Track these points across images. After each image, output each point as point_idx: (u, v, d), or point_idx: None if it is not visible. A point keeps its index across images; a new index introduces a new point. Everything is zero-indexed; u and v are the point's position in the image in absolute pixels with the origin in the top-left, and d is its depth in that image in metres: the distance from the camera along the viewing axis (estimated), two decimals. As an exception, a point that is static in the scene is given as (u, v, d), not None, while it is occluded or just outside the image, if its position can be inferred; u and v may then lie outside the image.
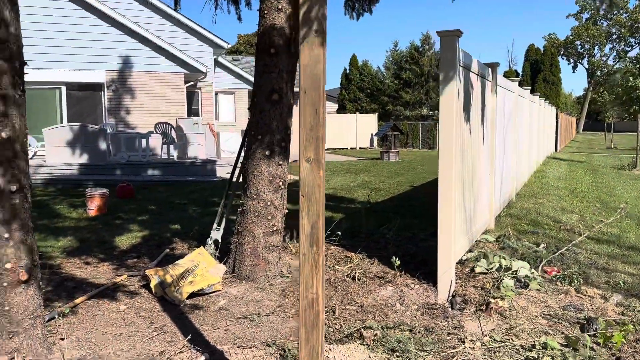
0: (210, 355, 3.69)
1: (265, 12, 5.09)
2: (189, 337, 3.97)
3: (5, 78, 3.37)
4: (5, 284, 3.51)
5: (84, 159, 13.96)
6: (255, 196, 5.23)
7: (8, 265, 3.49)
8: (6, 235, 3.48)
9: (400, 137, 29.54)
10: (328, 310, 4.52)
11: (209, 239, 6.08)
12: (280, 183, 5.29)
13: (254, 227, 5.23)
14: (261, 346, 3.87)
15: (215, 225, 6.16)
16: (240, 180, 6.20)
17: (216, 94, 22.79)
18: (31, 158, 14.55)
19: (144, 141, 15.20)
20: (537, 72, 35.52)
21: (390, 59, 40.51)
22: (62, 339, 3.94)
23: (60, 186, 12.05)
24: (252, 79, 25.18)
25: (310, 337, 2.38)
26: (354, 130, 32.74)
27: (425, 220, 8.12)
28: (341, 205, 9.80)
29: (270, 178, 5.21)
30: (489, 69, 6.83)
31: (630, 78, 40.82)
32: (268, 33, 5.08)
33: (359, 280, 5.26)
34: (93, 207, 8.92)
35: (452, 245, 4.84)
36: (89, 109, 17.60)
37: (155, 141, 15.73)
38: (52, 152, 13.84)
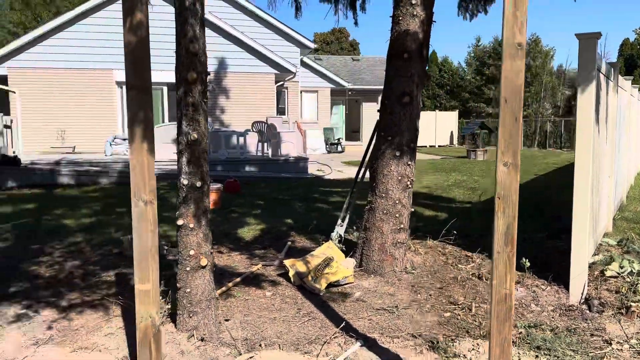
0: (364, 342, 3.96)
1: (400, 18, 5.23)
2: (341, 324, 4.25)
3: (196, 88, 3.79)
4: (188, 268, 3.96)
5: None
6: (384, 195, 5.41)
7: (192, 252, 3.93)
8: (191, 226, 3.92)
9: (487, 135, 28.94)
10: (464, 308, 4.66)
11: (333, 233, 6.34)
12: (409, 182, 5.45)
13: (382, 224, 5.42)
14: (408, 337, 4.06)
15: (339, 221, 6.43)
16: (358, 179, 6.40)
17: (300, 92, 23.27)
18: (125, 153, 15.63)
19: (241, 139, 15.89)
20: (634, 68, 33.42)
21: (472, 55, 39.71)
22: (226, 320, 4.34)
23: (169, 181, 12.78)
24: (334, 77, 25.65)
25: (502, 329, 2.55)
26: (434, 128, 32.22)
27: (535, 221, 8.03)
28: (441, 205, 9.85)
29: (399, 177, 5.37)
30: (612, 69, 6.70)
31: None
32: (402, 38, 5.23)
33: (485, 279, 5.35)
34: (209, 201, 9.46)
35: (585, 247, 4.85)
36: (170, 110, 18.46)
37: (251, 139, 16.35)
38: (160, 149, 14.73)
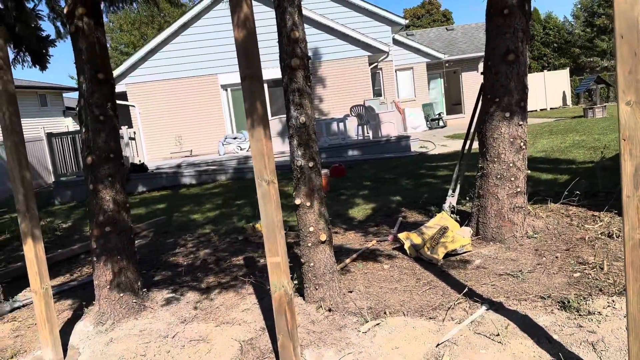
0: (489, 306, 3.93)
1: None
2: (464, 290, 4.25)
3: (299, 73, 3.95)
4: (309, 244, 4.16)
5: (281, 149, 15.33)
6: (496, 159, 5.29)
7: (311, 229, 4.13)
8: (308, 204, 4.12)
9: (605, 91, 26.78)
10: (595, 267, 4.46)
11: (445, 204, 6.32)
12: (522, 144, 5.27)
13: (497, 190, 5.31)
14: (536, 299, 3.99)
15: (450, 192, 6.38)
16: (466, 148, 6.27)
17: (395, 71, 22.97)
18: (246, 153, 16.39)
19: (341, 125, 16.11)
20: None
21: (579, 6, 36.86)
22: (349, 291, 4.52)
23: (279, 171, 13.26)
24: (428, 51, 24.98)
25: (638, 277, 2.44)
26: (543, 90, 30.19)
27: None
28: (560, 167, 9.36)
29: (511, 139, 5.22)
30: None
31: None
32: (501, -8, 5.07)
33: (617, 237, 5.06)
34: (322, 180, 9.74)
35: None
36: (282, 101, 19.00)
37: (350, 124, 16.50)
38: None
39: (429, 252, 5.12)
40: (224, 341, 3.90)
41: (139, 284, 4.76)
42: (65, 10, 4.50)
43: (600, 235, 5.20)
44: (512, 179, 5.27)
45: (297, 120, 4.05)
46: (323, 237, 4.14)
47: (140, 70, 18.59)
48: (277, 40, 4.08)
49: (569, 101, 30.36)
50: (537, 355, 3.21)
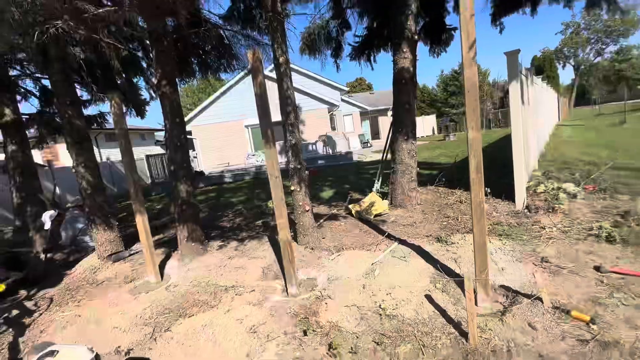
0: (400, 242, 3.99)
1: (397, 60, 5.08)
2: (385, 234, 4.29)
3: (292, 115, 3.91)
4: (299, 212, 4.11)
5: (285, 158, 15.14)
6: (400, 162, 5.33)
7: (300, 203, 4.08)
8: (298, 189, 4.07)
9: (454, 125, 27.47)
10: (454, 219, 4.55)
11: (373, 188, 6.33)
12: (414, 153, 5.33)
13: (402, 179, 5.35)
14: (424, 237, 4.06)
15: (376, 181, 6.40)
16: (379, 157, 6.28)
17: (343, 116, 22.93)
18: (260, 163, 16.16)
19: (314, 146, 16.06)
20: (540, 73, 30.34)
21: (439, 80, 37.59)
22: (323, 238, 4.47)
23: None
24: (360, 105, 24.91)
25: (479, 221, 2.51)
26: (422, 126, 30.87)
27: (490, 170, 7.57)
28: (433, 167, 9.50)
29: (408, 151, 5.28)
30: (528, 71, 6.19)
31: (617, 64, 33.50)
32: (401, 71, 5.09)
33: (464, 202, 5.19)
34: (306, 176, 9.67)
35: (523, 177, 4.61)
36: (280, 132, 18.73)
37: (318, 145, 16.44)
38: (272, 157, 15.20)
39: (366, 214, 5.15)
40: (253, 268, 3.86)
41: (203, 237, 4.66)
42: (155, 82, 4.37)
43: (455, 202, 5.31)
44: (409, 173, 5.32)
45: (291, 142, 4.02)
46: (307, 208, 4.12)
47: (198, 119, 18.13)
48: (278, 97, 4.03)
49: (436, 132, 30.96)
50: (426, 266, 3.28)
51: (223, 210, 7.48)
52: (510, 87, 4.47)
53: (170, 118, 4.35)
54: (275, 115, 18.17)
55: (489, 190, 5.08)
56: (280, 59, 3.87)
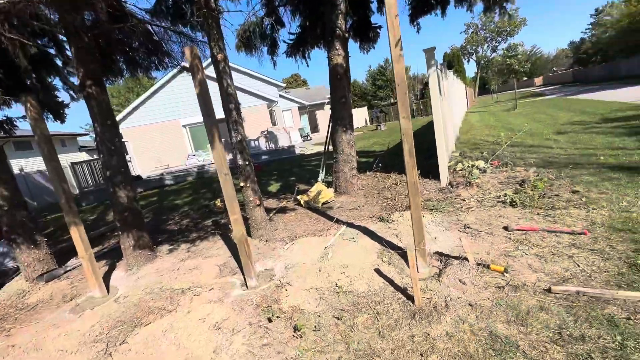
0: (348, 226, 4.17)
1: (332, 57, 5.17)
2: (333, 219, 4.44)
3: (234, 112, 3.79)
4: (251, 206, 4.05)
5: (229, 155, 14.55)
6: (341, 152, 5.50)
7: (251, 198, 4.02)
8: (247, 185, 3.99)
9: (384, 116, 29.02)
10: (392, 199, 4.88)
11: (318, 178, 6.44)
12: (353, 143, 5.52)
13: (344, 168, 5.54)
14: (368, 218, 4.28)
15: (320, 172, 6.52)
16: (323, 149, 6.43)
17: (282, 111, 22.77)
18: (202, 163, 15.31)
19: (256, 142, 15.71)
20: (450, 67, 33.57)
21: (368, 75, 39.38)
22: (275, 229, 4.45)
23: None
24: (300, 100, 25.03)
25: (415, 199, 2.75)
26: (356, 118, 32.03)
27: (418, 153, 8.24)
28: (370, 154, 10.00)
29: (347, 141, 5.47)
30: (443, 66, 6.84)
31: (507, 59, 38.66)
32: (335, 67, 5.20)
33: (399, 184, 5.59)
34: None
35: (445, 158, 5.12)
36: (221, 130, 17.98)
37: (261, 141, 16.15)
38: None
39: (314, 203, 5.25)
40: (208, 267, 3.71)
41: (150, 243, 4.32)
42: (78, 82, 3.85)
43: (392, 184, 5.68)
44: (350, 162, 5.52)
45: (236, 139, 3.91)
46: (257, 202, 4.07)
47: (129, 120, 16.40)
48: (220, 95, 3.87)
49: (368, 123, 32.46)
50: (373, 244, 3.50)
51: (168, 214, 6.99)
52: (429, 80, 4.90)
53: (99, 120, 3.90)
54: (218, 114, 17.26)
55: (418, 172, 5.55)
56: (219, 56, 3.71)
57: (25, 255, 4.21)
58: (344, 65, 5.23)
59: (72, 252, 5.20)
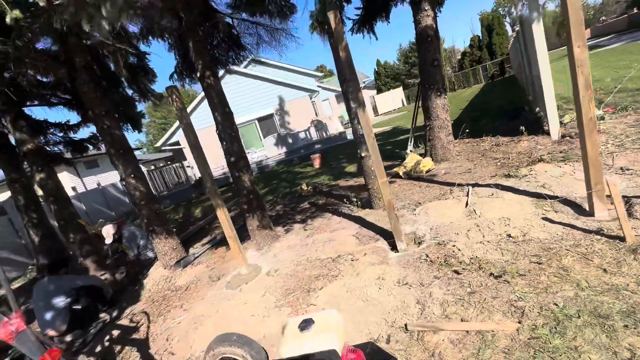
0: (472, 187, 4.01)
1: (420, 19, 5.03)
2: (449, 184, 4.30)
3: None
4: (372, 176, 4.02)
5: (283, 149, 14.86)
6: (436, 118, 5.34)
7: (372, 167, 3.98)
8: (368, 154, 3.95)
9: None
10: (503, 159, 4.63)
11: (407, 150, 6.31)
12: (447, 107, 5.33)
13: (440, 134, 5.38)
14: (491, 178, 4.08)
15: (409, 144, 6.38)
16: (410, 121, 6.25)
17: (322, 101, 22.74)
18: (258, 159, 15.77)
19: (307, 132, 15.84)
20: (491, 31, 31.26)
21: (399, 54, 38.08)
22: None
23: (282, 165, 12.89)
24: (337, 89, 24.94)
25: (591, 136, 2.54)
26: (392, 99, 31.33)
27: (491, 117, 7.79)
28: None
29: (442, 105, 5.29)
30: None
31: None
32: (425, 29, 5.03)
33: (501, 145, 5.27)
34: (317, 163, 9.52)
35: (554, 108, 4.73)
36: (268, 126, 18.34)
37: (312, 130, 16.24)
38: (269, 150, 14.86)
39: (414, 173, 5.15)
40: (342, 238, 3.76)
41: (271, 223, 4.49)
42: (198, 75, 4.05)
43: (491, 146, 5.38)
44: (446, 127, 5.35)
45: (354, 107, 3.88)
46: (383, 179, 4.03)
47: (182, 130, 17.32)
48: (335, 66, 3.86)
49: (405, 103, 31.44)
50: (520, 197, 3.31)
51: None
52: (534, 28, 4.55)
53: (220, 109, 4.08)
54: (264, 110, 17.49)
55: (523, 129, 5.24)
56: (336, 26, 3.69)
57: (162, 245, 4.56)
58: (434, 25, 5.04)
59: (188, 241, 5.58)
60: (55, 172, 5.23)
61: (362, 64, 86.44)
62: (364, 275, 2.82)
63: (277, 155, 14.45)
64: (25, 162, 5.08)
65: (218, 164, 17.69)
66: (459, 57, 34.81)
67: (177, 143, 17.20)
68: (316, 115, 21.00)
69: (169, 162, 23.43)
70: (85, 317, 3.58)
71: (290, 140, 15.35)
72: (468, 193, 3.78)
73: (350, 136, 15.85)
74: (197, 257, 4.80)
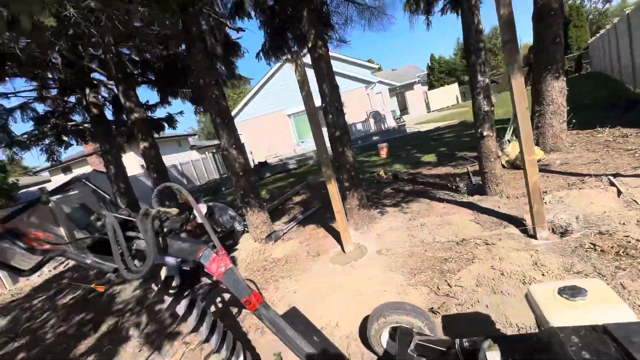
0: (613, 177, 3.51)
1: (543, -9, 4.55)
2: (587, 174, 3.82)
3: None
4: (492, 158, 3.66)
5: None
6: (550, 102, 4.82)
7: (493, 149, 3.62)
8: (490, 134, 3.60)
9: (495, 86, 25.64)
10: (630, 150, 4.04)
11: (505, 138, 5.77)
12: (565, 92, 4.80)
13: (552, 121, 4.86)
14: (632, 169, 3.60)
15: (508, 132, 5.82)
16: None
17: (375, 93, 22.24)
18: (313, 147, 15.80)
19: (365, 124, 15.57)
20: (567, 24, 28.20)
21: (456, 49, 36.10)
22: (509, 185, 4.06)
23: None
24: (390, 82, 24.20)
25: None
26: (446, 96, 29.83)
27: (600, 110, 6.93)
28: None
29: (559, 89, 4.76)
30: None
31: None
32: (547, 2, 4.51)
33: (629, 135, 4.63)
34: (384, 153, 9.23)
35: None
36: (322, 117, 18.28)
37: (369, 121, 15.94)
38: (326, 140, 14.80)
39: (521, 162, 4.67)
40: (459, 222, 3.48)
41: (368, 204, 4.32)
42: (309, 45, 3.96)
43: (616, 137, 4.77)
44: (561, 113, 4.82)
45: (484, 82, 3.56)
46: (499, 154, 3.69)
47: (242, 114, 17.82)
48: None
49: (459, 100, 29.76)
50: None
51: (324, 189, 7.07)
52: None
53: (327, 81, 3.97)
54: (318, 100, 17.38)
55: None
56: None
57: (254, 217, 4.60)
58: (558, -3, 4.50)
59: (271, 217, 5.58)
60: (156, 142, 5.51)
61: (414, 58, 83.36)
62: (511, 260, 2.53)
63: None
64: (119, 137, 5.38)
65: (271, 151, 18.06)
66: (526, 52, 32.12)
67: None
68: (371, 107, 20.59)
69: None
70: (193, 278, 3.68)
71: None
72: (612, 183, 3.30)
73: (409, 130, 15.29)
74: (286, 232, 4.78)
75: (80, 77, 6.35)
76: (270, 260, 4.02)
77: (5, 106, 6.71)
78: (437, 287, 2.48)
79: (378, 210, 4.57)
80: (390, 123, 15.72)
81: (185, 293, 1.78)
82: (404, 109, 28.15)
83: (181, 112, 9.74)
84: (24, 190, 12.25)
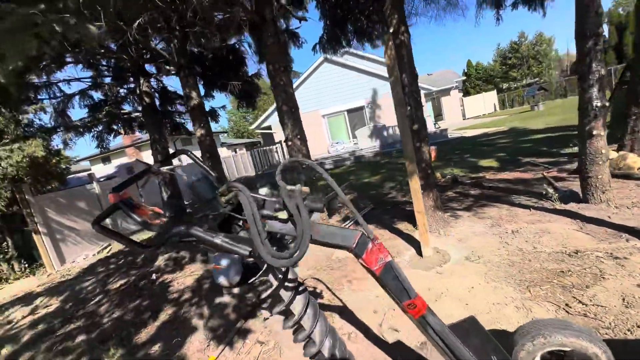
0: None
1: None
2: None
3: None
4: (600, 162, 3.24)
5: (377, 142, 14.35)
6: (654, 104, 4.28)
7: (603, 151, 3.20)
8: (601, 133, 3.19)
9: (542, 94, 23.93)
10: None
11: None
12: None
13: (653, 125, 4.32)
14: None
15: None
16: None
17: (407, 99, 21.65)
18: (351, 149, 15.51)
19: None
20: (623, 30, 26.43)
21: (496, 55, 34.64)
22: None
23: (380, 157, 12.33)
24: (426, 87, 23.49)
25: None
26: (483, 103, 28.66)
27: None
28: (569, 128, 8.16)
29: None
30: None
31: None
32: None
33: None
34: (432, 156, 8.79)
35: None
36: (357, 119, 17.96)
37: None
38: (362, 142, 14.47)
39: (618, 170, 4.16)
40: (562, 232, 3.06)
41: (442, 205, 3.97)
42: (391, 30, 3.69)
43: None
44: (666, 116, 4.26)
45: (600, 73, 3.14)
46: (608, 156, 3.25)
47: (276, 114, 17.90)
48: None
49: (497, 108, 28.48)
50: None
51: (368, 191, 6.75)
52: None
53: (408, 70, 3.69)
54: (354, 102, 17.16)
55: None
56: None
57: (314, 213, 4.35)
58: None
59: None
60: (212, 130, 5.44)
61: (448, 63, 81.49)
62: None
63: (371, 148, 13.95)
64: (166, 127, 5.33)
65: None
66: (573, 60, 30.35)
67: (269, 127, 17.82)
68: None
69: (254, 147, 24.68)
70: (254, 272, 3.48)
71: (385, 133, 14.71)
72: None
73: (451, 135, 14.65)
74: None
75: (135, 66, 6.43)
76: (335, 260, 3.76)
77: (66, 92, 6.91)
78: (566, 304, 2.11)
79: (449, 213, 4.20)
80: (430, 128, 15.12)
81: (301, 288, 1.52)
82: (438, 115, 27.27)
83: (223, 107, 9.77)
84: (70, 176, 12.78)
